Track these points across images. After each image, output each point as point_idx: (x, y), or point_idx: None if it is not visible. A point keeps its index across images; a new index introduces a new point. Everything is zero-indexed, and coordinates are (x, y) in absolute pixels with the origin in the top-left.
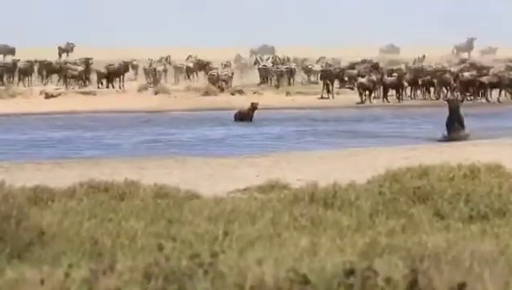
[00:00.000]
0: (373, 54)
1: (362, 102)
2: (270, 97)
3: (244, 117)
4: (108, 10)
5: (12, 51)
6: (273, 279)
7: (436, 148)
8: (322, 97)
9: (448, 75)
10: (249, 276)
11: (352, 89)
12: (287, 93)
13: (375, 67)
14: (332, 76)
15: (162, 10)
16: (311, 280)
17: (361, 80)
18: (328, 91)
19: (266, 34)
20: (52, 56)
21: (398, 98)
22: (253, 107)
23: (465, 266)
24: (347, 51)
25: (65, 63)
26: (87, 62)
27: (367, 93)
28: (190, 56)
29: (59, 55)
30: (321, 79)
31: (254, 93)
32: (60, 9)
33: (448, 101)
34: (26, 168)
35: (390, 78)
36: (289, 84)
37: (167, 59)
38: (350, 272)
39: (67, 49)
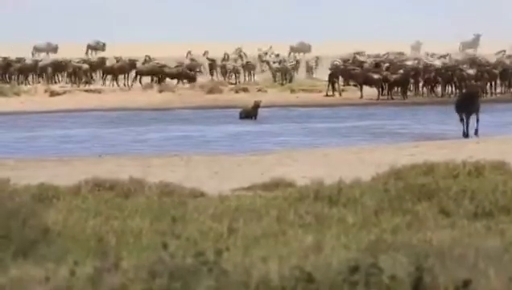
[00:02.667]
0: (403, 49)
1: (378, 98)
2: (274, 95)
3: (248, 114)
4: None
5: (55, 49)
6: (278, 276)
7: (441, 145)
8: (327, 95)
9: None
10: (254, 274)
11: (356, 86)
12: (292, 91)
13: (378, 65)
14: (337, 74)
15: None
16: (316, 278)
17: (375, 76)
18: (334, 88)
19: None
20: (81, 54)
21: (404, 95)
22: (257, 105)
23: (470, 263)
24: (379, 46)
25: (70, 61)
26: (103, 61)
27: (380, 89)
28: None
29: (87, 53)
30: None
31: (258, 90)
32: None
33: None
34: (30, 166)
35: (394, 75)
36: (290, 80)
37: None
38: (355, 269)
39: (96, 47)
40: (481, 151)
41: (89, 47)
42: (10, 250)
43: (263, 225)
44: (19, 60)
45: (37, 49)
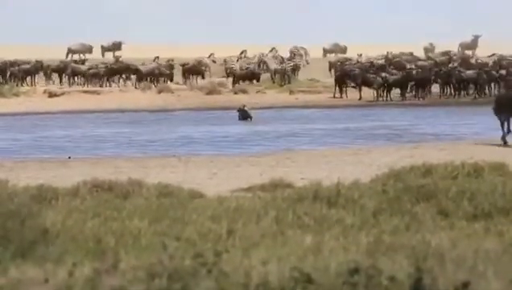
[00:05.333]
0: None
1: (377, 100)
2: (273, 96)
3: (246, 116)
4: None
5: (90, 50)
6: (277, 278)
7: (440, 147)
8: (334, 97)
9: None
10: (253, 275)
11: (354, 87)
12: (291, 92)
13: (371, 65)
14: (345, 75)
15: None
16: (315, 279)
17: (377, 78)
18: (341, 90)
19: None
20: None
21: (403, 97)
22: (241, 109)
23: (469, 264)
24: (388, 49)
25: (71, 62)
26: (117, 61)
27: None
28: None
29: (102, 55)
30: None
31: (257, 91)
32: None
33: None
34: (29, 167)
35: (394, 76)
36: (289, 82)
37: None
38: (354, 271)
39: (110, 48)
40: (479, 153)
41: (103, 48)
42: (8, 251)
43: (262, 227)
44: (16, 62)
45: (71, 51)
